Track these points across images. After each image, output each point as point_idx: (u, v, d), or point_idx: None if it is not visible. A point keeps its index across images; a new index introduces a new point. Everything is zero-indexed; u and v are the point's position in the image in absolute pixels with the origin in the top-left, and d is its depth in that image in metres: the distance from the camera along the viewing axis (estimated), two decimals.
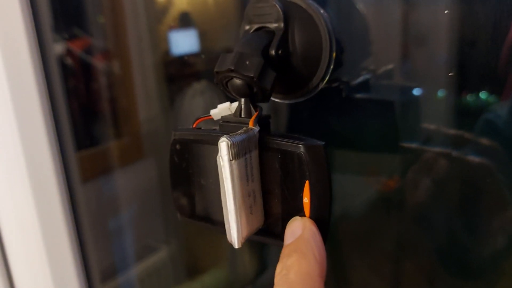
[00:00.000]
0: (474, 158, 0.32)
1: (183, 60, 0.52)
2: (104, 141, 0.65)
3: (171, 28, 0.51)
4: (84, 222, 0.61)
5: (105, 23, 0.58)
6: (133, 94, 0.61)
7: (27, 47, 0.51)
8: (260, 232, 0.26)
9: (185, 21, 0.50)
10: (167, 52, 0.54)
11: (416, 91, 0.33)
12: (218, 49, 0.49)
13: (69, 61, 0.60)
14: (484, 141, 0.31)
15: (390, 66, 0.34)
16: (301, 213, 0.25)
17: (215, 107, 0.30)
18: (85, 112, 0.63)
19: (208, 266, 0.63)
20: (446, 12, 0.29)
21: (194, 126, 0.30)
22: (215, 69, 0.26)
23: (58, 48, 0.58)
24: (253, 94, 0.27)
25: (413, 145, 0.34)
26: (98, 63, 0.61)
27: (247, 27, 0.29)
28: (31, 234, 0.56)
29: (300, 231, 0.24)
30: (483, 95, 0.30)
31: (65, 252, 0.58)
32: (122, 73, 0.60)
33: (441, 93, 0.32)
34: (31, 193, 0.54)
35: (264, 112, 0.27)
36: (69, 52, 0.59)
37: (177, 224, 0.66)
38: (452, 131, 0.33)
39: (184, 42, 0.51)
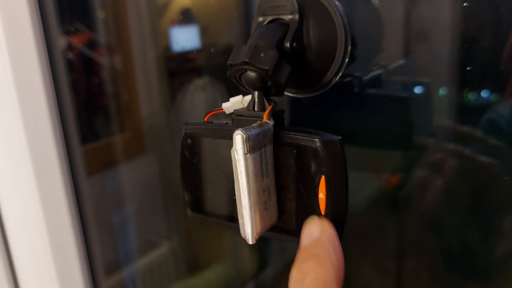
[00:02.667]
0: (480, 158, 0.31)
1: (184, 56, 0.52)
2: (106, 135, 0.65)
3: (173, 23, 0.51)
4: (88, 215, 0.60)
5: (107, 18, 0.58)
6: (135, 89, 0.61)
7: (33, 42, 0.51)
8: (273, 228, 0.26)
9: (187, 16, 0.50)
10: (169, 47, 0.53)
11: (425, 88, 0.33)
12: (220, 44, 0.48)
13: (72, 55, 0.60)
14: (488, 140, 0.31)
15: (401, 62, 0.34)
16: (316, 209, 0.24)
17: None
18: (88, 106, 0.62)
19: (210, 262, 0.63)
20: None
21: (205, 119, 0.29)
22: (229, 62, 0.26)
23: (62, 42, 0.57)
24: (267, 88, 0.26)
25: (422, 142, 0.34)
26: (101, 58, 0.61)
27: (260, 19, 0.29)
28: (36, 227, 0.56)
29: (318, 233, 0.23)
30: (485, 93, 0.30)
31: (70, 245, 0.58)
32: (125, 68, 0.59)
33: (445, 91, 0.32)
34: (36, 186, 0.54)
35: (277, 107, 0.27)
36: (72, 47, 0.59)
37: (179, 220, 0.66)
38: (459, 129, 0.32)
39: (185, 38, 0.50)
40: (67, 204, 0.56)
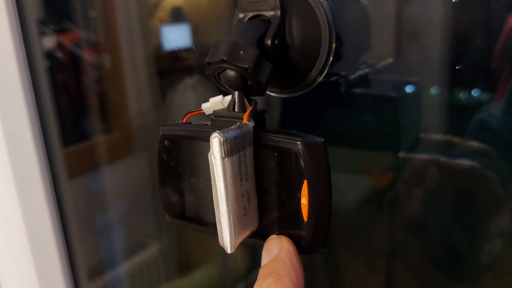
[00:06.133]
0: (467, 159, 0.31)
1: (174, 54, 0.51)
2: (93, 136, 0.64)
3: (163, 22, 0.50)
4: (70, 218, 0.59)
5: (97, 16, 0.56)
6: (123, 88, 0.60)
7: (11, 41, 0.49)
8: (254, 234, 0.25)
9: (177, 15, 0.49)
10: (158, 46, 0.52)
11: (412, 87, 0.32)
12: (210, 43, 0.47)
13: (58, 54, 0.58)
14: (478, 138, 0.30)
15: (388, 61, 0.33)
16: (298, 215, 0.23)
17: (207, 101, 0.29)
18: (74, 107, 0.61)
19: (199, 262, 0.62)
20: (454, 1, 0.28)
21: (184, 120, 0.28)
22: (206, 59, 0.24)
23: (47, 41, 0.56)
24: (247, 87, 0.25)
25: (411, 142, 0.33)
26: (89, 57, 0.59)
27: (241, 15, 0.28)
28: (16, 231, 0.54)
29: (276, 250, 0.23)
30: (475, 92, 0.29)
31: (51, 249, 0.57)
32: (113, 67, 0.58)
33: (434, 90, 0.31)
34: (15, 189, 0.52)
35: (259, 107, 0.26)
36: (59, 46, 0.58)
37: None
38: (445, 134, 0.32)
39: (175, 36, 0.49)
40: (47, 207, 0.55)
